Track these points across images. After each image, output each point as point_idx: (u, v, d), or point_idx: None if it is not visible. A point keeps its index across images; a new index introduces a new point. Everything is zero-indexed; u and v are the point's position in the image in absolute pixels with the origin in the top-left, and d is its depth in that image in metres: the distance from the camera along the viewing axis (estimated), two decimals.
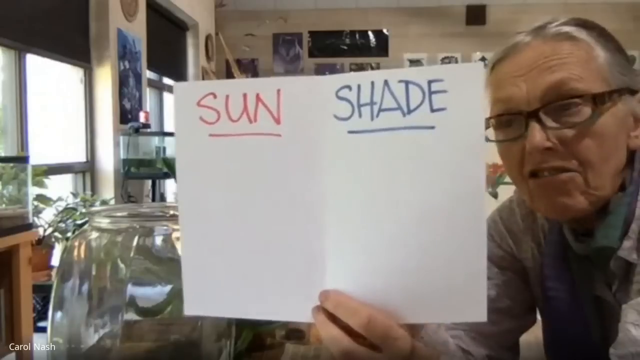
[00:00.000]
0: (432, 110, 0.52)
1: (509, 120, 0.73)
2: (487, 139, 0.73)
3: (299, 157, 0.55)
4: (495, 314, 0.53)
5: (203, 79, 5.87)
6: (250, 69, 6.67)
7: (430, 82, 0.52)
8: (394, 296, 0.53)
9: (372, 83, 0.53)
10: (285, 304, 0.57)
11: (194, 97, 0.57)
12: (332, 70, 6.64)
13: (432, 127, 0.52)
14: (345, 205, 0.54)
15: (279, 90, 0.55)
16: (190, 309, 0.59)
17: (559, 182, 0.69)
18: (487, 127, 0.74)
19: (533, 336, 0.90)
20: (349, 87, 0.54)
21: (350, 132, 0.54)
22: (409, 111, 0.52)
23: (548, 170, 0.70)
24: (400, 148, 0.53)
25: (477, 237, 0.52)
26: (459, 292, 0.52)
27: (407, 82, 0.53)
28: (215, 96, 0.56)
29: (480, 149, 0.52)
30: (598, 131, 0.68)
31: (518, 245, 0.85)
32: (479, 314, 0.52)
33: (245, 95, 0.56)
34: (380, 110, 0.53)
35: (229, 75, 5.20)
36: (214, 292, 0.58)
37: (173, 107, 0.59)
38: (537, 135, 0.68)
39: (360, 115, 0.53)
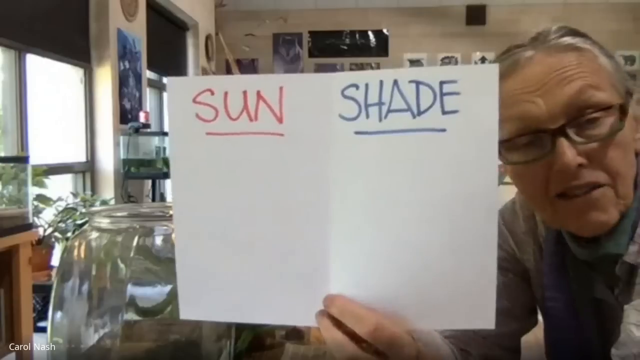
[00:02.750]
0: (444, 113, 0.50)
1: (527, 140, 0.68)
2: (507, 162, 0.70)
3: (302, 158, 0.53)
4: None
5: None
6: (250, 69, 6.66)
7: (442, 83, 0.50)
8: (400, 302, 0.52)
9: (381, 82, 0.51)
10: (286, 308, 0.55)
11: (189, 93, 0.54)
12: (332, 70, 6.63)
13: (443, 130, 0.50)
14: (350, 209, 0.52)
15: (281, 88, 0.53)
16: (186, 313, 0.57)
17: (593, 200, 0.66)
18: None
19: (533, 336, 0.90)
20: (356, 86, 0.52)
21: (357, 133, 0.52)
22: (419, 113, 0.50)
23: (579, 188, 0.66)
24: (409, 151, 0.51)
25: (487, 243, 0.51)
26: (467, 298, 0.51)
27: (417, 83, 0.50)
28: (212, 93, 0.54)
29: (494, 154, 0.50)
30: (622, 140, 0.67)
31: (520, 247, 0.84)
32: (487, 321, 0.51)
33: (245, 93, 0.53)
34: (389, 111, 0.51)
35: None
36: (211, 297, 0.56)
37: (167, 103, 0.56)
38: (568, 152, 0.65)
39: (367, 116, 0.51)
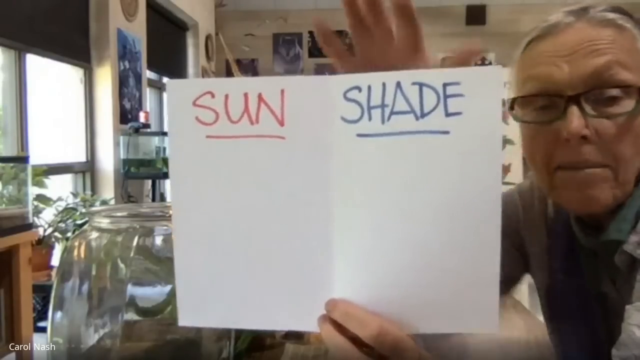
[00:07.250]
0: (447, 115, 0.50)
1: (544, 103, 0.69)
2: (517, 119, 0.71)
3: (304, 161, 0.52)
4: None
5: (203, 78, 5.85)
6: (250, 69, 6.66)
7: (445, 85, 0.50)
8: (403, 305, 0.52)
9: (384, 84, 0.51)
10: (287, 314, 0.54)
11: (189, 96, 0.53)
12: (332, 70, 6.62)
13: (447, 132, 0.50)
14: (353, 212, 0.52)
15: (282, 90, 0.52)
16: (185, 319, 0.56)
17: (590, 176, 0.67)
18: (511, 107, 0.71)
19: (533, 336, 0.90)
20: (359, 88, 0.51)
21: (359, 135, 0.51)
22: (422, 115, 0.50)
23: (580, 164, 0.67)
24: (412, 153, 0.50)
25: (490, 247, 0.50)
26: (471, 301, 0.51)
27: (420, 85, 0.50)
28: (213, 95, 0.53)
29: (498, 157, 0.50)
30: (636, 127, 0.67)
31: (527, 223, 0.84)
32: (491, 324, 0.51)
33: (246, 95, 0.53)
34: (392, 113, 0.50)
35: (229, 75, 5.19)
36: (210, 303, 0.55)
37: (166, 106, 0.56)
38: (575, 120, 0.65)
39: (370, 118, 0.51)
